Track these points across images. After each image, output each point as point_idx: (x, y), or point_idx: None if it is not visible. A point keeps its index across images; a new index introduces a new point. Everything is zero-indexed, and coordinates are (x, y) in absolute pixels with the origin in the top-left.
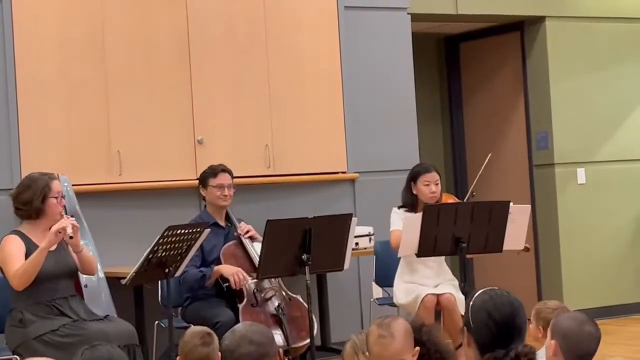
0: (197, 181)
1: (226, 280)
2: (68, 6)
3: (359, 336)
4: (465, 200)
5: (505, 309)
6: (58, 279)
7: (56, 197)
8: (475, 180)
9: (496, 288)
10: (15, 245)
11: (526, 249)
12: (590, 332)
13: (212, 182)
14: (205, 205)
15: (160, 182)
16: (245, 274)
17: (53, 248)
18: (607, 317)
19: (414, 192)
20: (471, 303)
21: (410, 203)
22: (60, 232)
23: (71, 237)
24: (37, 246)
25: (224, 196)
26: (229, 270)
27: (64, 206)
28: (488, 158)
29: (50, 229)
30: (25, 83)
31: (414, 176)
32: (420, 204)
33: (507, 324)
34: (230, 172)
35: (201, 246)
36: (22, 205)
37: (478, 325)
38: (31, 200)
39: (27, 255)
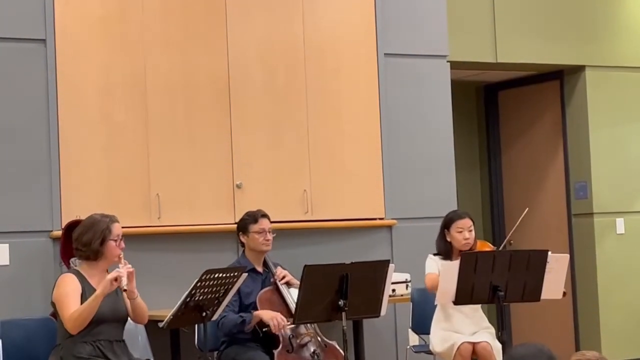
0: (234, 225)
1: (264, 325)
2: (110, 51)
3: None
4: (501, 248)
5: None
6: (108, 322)
7: (115, 240)
8: (512, 231)
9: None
10: (70, 286)
11: (563, 294)
12: None
13: (254, 227)
14: (243, 251)
15: (199, 225)
16: (284, 319)
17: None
18: None
19: (448, 239)
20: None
21: (444, 251)
22: (115, 280)
23: (125, 290)
24: (92, 287)
25: (266, 241)
26: (269, 315)
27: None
28: (525, 213)
29: (107, 270)
30: (67, 126)
31: (447, 223)
32: (454, 251)
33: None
34: (268, 217)
35: (239, 290)
36: (82, 247)
37: None
38: (90, 242)
39: (82, 296)
